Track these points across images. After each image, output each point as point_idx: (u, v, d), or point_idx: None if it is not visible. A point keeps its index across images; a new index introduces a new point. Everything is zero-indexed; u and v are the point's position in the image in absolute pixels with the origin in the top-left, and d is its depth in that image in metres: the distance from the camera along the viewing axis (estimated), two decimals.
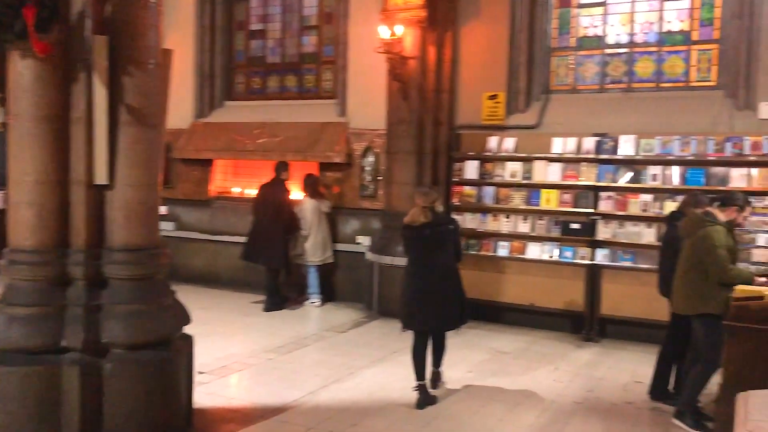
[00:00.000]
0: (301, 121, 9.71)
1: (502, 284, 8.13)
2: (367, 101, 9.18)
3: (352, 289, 9.24)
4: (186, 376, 4.72)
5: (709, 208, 5.17)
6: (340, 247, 9.31)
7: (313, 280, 9.11)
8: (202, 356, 6.36)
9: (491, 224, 8.15)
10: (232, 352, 6.76)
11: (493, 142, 8.21)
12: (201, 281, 10.04)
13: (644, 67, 8.07)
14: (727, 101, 7.47)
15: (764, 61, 7.14)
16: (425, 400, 5.39)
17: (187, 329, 4.81)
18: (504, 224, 8.08)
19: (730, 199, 5.14)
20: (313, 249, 8.99)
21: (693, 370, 5.15)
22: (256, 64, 10.52)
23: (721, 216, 5.06)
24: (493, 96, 8.49)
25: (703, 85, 7.76)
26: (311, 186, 9.07)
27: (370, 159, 9.21)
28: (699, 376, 5.08)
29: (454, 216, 7.53)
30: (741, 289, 4.65)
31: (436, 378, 5.78)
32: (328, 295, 9.31)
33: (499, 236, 8.13)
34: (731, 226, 5.16)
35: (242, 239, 9.40)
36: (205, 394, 5.47)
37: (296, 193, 9.14)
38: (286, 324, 8.04)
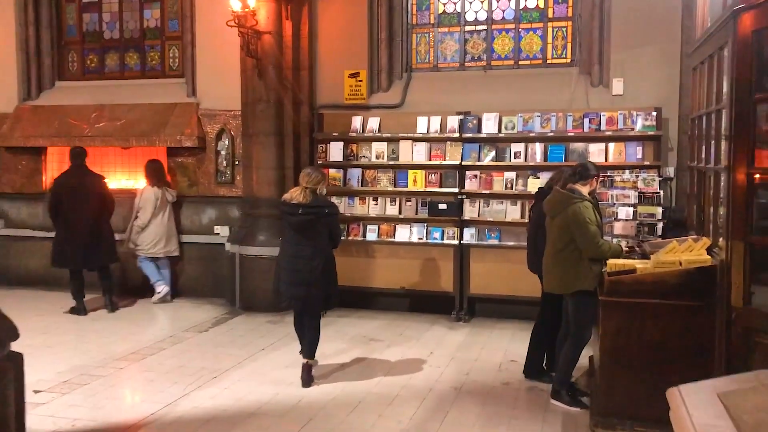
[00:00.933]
0: (146, 102, 8.86)
1: (372, 269, 7.87)
2: (220, 80, 8.52)
3: (212, 284, 8.60)
4: (15, 402, 3.97)
5: (571, 185, 5.12)
6: (196, 239, 8.62)
7: (150, 269, 8.36)
8: (40, 372, 5.58)
9: (359, 208, 7.84)
10: (76, 363, 5.96)
11: (357, 122, 7.88)
12: (39, 284, 8.95)
13: (503, 45, 8.07)
14: (583, 78, 7.62)
15: (616, 39, 7.33)
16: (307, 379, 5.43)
17: (21, 342, 4.04)
18: (372, 208, 7.80)
19: (585, 170, 5.09)
20: (154, 241, 8.28)
21: (564, 347, 5.13)
22: (91, 39, 9.45)
23: (584, 190, 5.04)
24: (354, 74, 8.14)
25: (559, 63, 7.88)
26: (155, 173, 8.35)
27: (225, 142, 8.57)
28: (570, 352, 5.07)
29: None
30: (613, 264, 4.65)
31: (306, 372, 5.46)
32: (188, 292, 8.61)
33: (367, 220, 7.85)
34: (595, 199, 5.18)
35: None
36: (45, 417, 4.73)
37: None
38: (138, 326, 7.28)
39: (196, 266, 8.66)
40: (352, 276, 7.80)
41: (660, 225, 6.53)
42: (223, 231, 8.51)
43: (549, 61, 7.92)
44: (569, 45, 7.86)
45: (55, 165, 9.41)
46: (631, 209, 6.60)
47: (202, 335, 6.95)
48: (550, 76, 7.77)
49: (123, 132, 8.69)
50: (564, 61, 7.87)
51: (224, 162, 8.57)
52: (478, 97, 7.77)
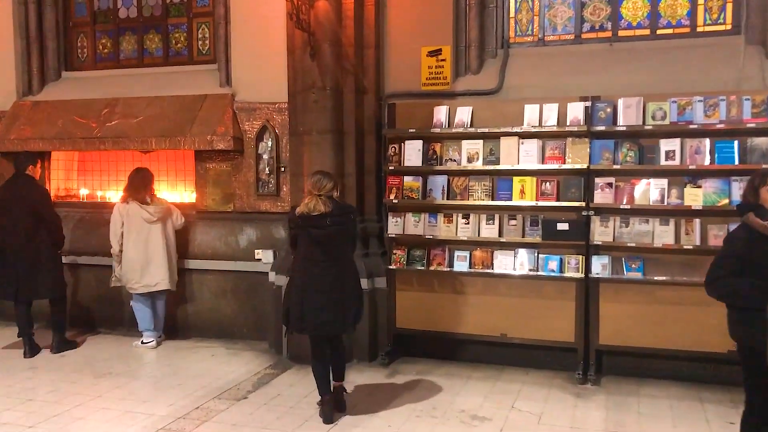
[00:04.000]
0: (169, 94, 7.06)
1: (461, 309, 5.91)
2: (261, 64, 6.68)
3: (253, 324, 6.76)
4: None
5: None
6: (232, 266, 6.77)
7: (139, 311, 6.62)
8: None
9: (443, 228, 5.88)
10: None
11: (440, 114, 5.93)
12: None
13: (634, 9, 6.05)
14: (755, 50, 5.56)
15: None
16: (331, 412, 4.74)
17: None
18: (462, 228, 5.83)
19: None
20: (132, 272, 6.49)
21: None
22: (104, 19, 7.71)
23: None
24: (434, 52, 6.21)
25: (716, 30, 5.83)
26: (130, 184, 6.58)
27: (268, 143, 6.71)
28: None
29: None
30: None
31: (339, 395, 4.88)
32: (222, 333, 6.79)
33: (455, 244, 5.90)
34: None
35: (96, 260, 7.06)
36: None
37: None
38: (156, 387, 5.44)
39: (232, 301, 6.82)
40: (433, 318, 5.93)
41: None
42: (265, 256, 6.64)
43: (700, 29, 5.87)
44: (729, 6, 5.79)
45: (60, 173, 7.71)
46: None
47: (240, 406, 5.05)
48: (704, 49, 5.73)
49: (140, 131, 6.91)
50: (722, 28, 5.82)
51: (267, 168, 6.71)
52: (601, 78, 5.77)
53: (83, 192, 7.65)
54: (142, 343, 6.57)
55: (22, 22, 7.56)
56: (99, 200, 7.58)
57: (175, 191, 7.37)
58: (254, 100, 6.73)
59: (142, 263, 6.48)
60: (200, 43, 7.33)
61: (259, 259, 6.67)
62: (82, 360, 6.19)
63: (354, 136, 6.16)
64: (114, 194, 7.55)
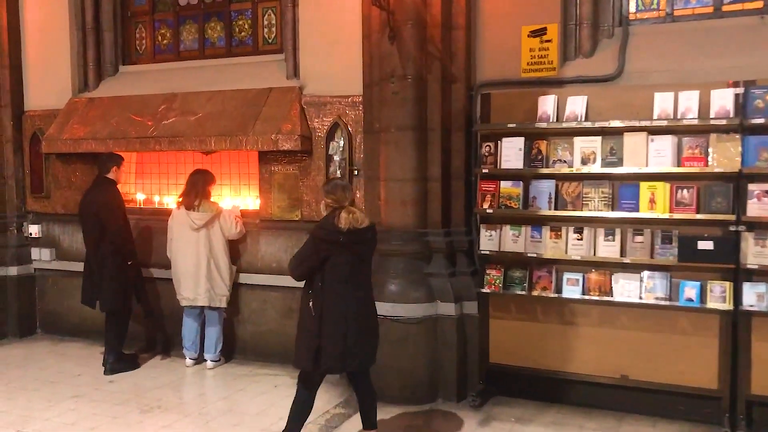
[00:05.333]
0: (231, 88, 6.30)
1: (571, 344, 4.87)
2: (332, 52, 5.82)
3: None
4: None
5: None
6: (296, 282, 5.91)
7: (186, 326, 6.01)
8: None
9: (549, 245, 4.84)
10: None
11: (546, 105, 4.89)
12: (96, 336, 6.52)
13: None
14: None
15: None
16: None
17: None
18: (573, 245, 4.77)
19: None
20: (176, 283, 5.97)
21: None
22: (163, 7, 7.03)
23: None
24: (538, 31, 5.17)
25: None
26: (187, 188, 6.00)
27: (340, 142, 5.83)
28: None
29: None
30: None
31: None
32: (288, 359, 5.97)
33: (564, 264, 4.85)
34: None
35: (159, 272, 6.46)
36: None
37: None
38: (208, 430, 4.64)
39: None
40: (536, 352, 4.92)
41: None
42: None
43: None
44: None
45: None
46: None
47: None
48: None
49: (199, 130, 6.16)
50: None
51: (338, 171, 5.83)
52: (754, 59, 4.60)
53: (140, 197, 6.99)
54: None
55: (78, 12, 6.96)
56: (157, 206, 6.91)
57: (239, 197, 6.61)
58: (324, 93, 5.87)
59: (185, 274, 5.89)
60: (266, 30, 6.53)
61: None
62: (131, 388, 5.49)
63: (439, 133, 5.20)
64: (172, 199, 6.87)
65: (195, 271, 5.85)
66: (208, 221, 5.87)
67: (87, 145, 6.57)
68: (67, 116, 6.89)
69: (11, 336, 7.04)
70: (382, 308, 5.00)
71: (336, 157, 5.86)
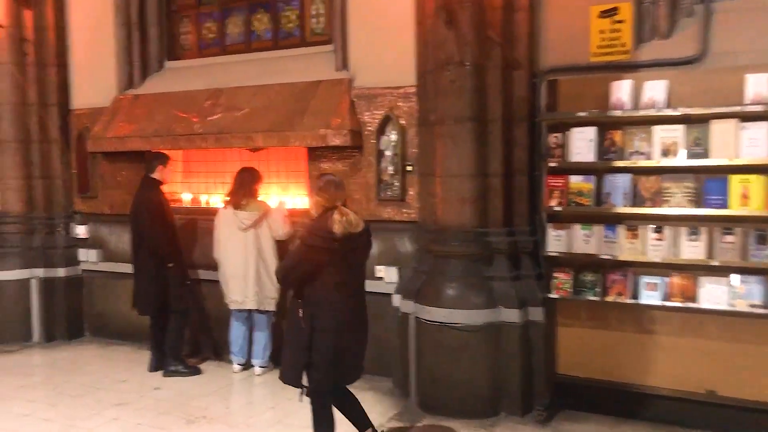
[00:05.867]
0: (278, 82, 6.01)
1: (648, 355, 4.41)
2: (384, 41, 5.48)
3: (372, 355, 5.51)
4: None
5: None
6: None
7: (233, 329, 5.78)
8: None
9: (626, 245, 4.38)
10: None
11: (620, 91, 4.42)
12: (144, 339, 6.33)
13: None
14: None
15: None
16: None
17: None
18: (652, 246, 4.30)
19: None
20: (223, 284, 5.75)
21: None
22: (208, 1, 6.80)
23: None
24: (609, 11, 4.71)
25: None
26: (235, 187, 5.74)
27: (392, 137, 5.48)
28: None
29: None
30: None
31: None
32: None
33: (642, 267, 4.39)
34: None
35: (204, 273, 6.25)
36: None
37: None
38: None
39: None
40: (609, 364, 4.50)
41: None
42: (388, 275, 5.43)
43: None
44: None
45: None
46: None
47: None
48: None
49: (245, 126, 5.90)
50: None
51: (390, 167, 5.49)
52: None
53: (186, 197, 6.79)
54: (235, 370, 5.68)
55: (123, 8, 6.79)
56: (204, 205, 6.69)
57: (287, 195, 6.33)
58: (375, 84, 5.53)
59: (232, 276, 5.65)
60: (314, 21, 6.23)
61: (381, 278, 5.47)
62: (176, 396, 5.25)
63: (500, 124, 4.80)
64: (218, 199, 6.65)
65: (243, 273, 5.60)
66: (257, 221, 5.61)
67: (132, 143, 6.39)
68: (112, 114, 6.73)
69: (60, 338, 6.92)
70: (439, 314, 4.67)
71: (387, 153, 5.51)
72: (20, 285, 6.84)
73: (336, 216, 3.60)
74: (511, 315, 4.65)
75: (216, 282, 5.91)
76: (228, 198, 5.73)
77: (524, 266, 4.84)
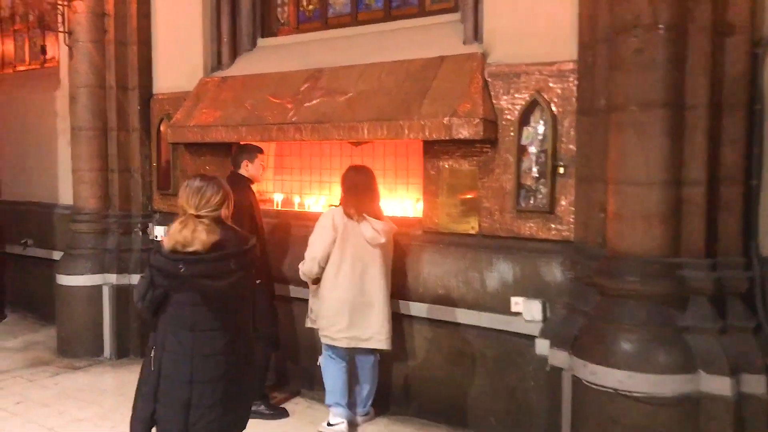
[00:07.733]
0: (390, 60, 4.85)
1: None
2: (531, 2, 4.18)
3: (505, 410, 4.29)
4: None
5: None
6: (472, 317, 4.36)
7: (329, 372, 4.49)
8: None
9: None
10: None
11: None
12: None
13: None
14: None
15: None
16: None
17: None
18: None
19: None
20: (334, 315, 4.33)
21: None
22: None
23: None
24: None
25: None
26: (344, 187, 4.46)
27: (538, 128, 4.18)
28: None
29: None
30: None
31: None
32: (455, 419, 4.43)
33: None
34: None
35: (296, 290, 5.20)
36: None
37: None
38: None
39: (475, 371, 4.41)
40: None
41: None
42: (528, 309, 4.13)
43: None
44: None
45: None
46: None
47: None
48: None
49: (348, 113, 4.76)
50: None
51: (534, 168, 4.19)
52: None
53: (278, 197, 5.75)
54: (329, 425, 4.41)
55: None
56: (297, 208, 5.64)
57: (395, 199, 5.18)
58: (517, 60, 4.25)
59: (353, 303, 4.28)
60: None
61: (518, 313, 4.19)
62: None
63: (705, 112, 3.40)
64: (314, 201, 5.57)
65: (372, 301, 4.31)
66: (392, 235, 4.46)
67: (216, 133, 5.39)
68: (196, 99, 5.78)
69: (133, 354, 6.10)
70: (611, 377, 3.33)
71: (532, 149, 4.21)
72: (92, 292, 6.05)
73: (175, 226, 2.82)
74: (717, 384, 3.25)
75: (305, 300, 4.80)
76: (351, 203, 4.35)
77: (735, 314, 3.42)
